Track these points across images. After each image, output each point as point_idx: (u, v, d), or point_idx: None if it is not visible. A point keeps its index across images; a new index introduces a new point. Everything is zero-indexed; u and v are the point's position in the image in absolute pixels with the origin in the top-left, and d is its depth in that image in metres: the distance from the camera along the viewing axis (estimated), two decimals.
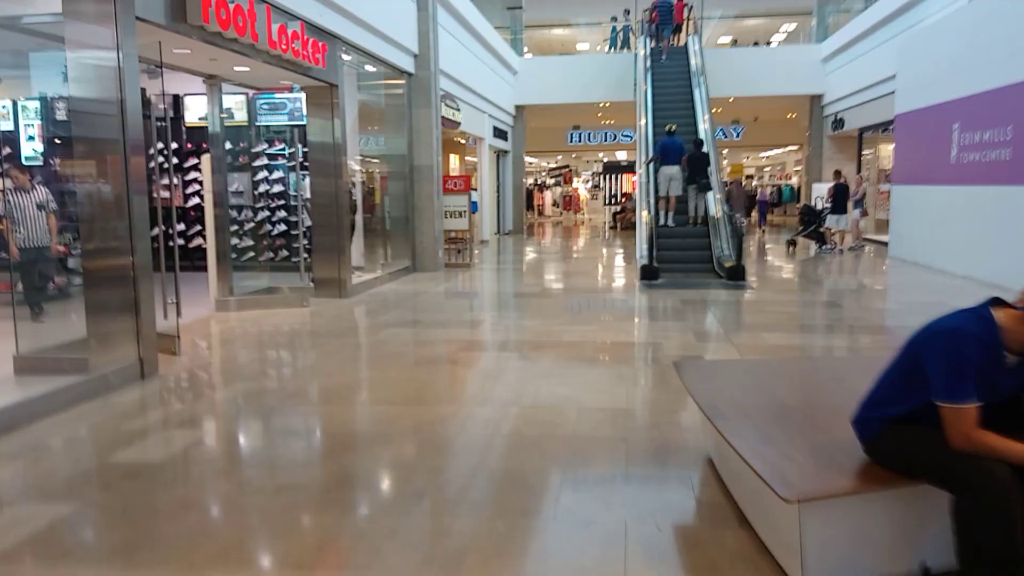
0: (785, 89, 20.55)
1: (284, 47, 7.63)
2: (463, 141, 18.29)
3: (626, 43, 22.27)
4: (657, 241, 11.00)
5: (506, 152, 21.83)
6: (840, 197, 14.60)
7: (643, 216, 13.12)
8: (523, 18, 22.23)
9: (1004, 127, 9.34)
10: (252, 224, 11.38)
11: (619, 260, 14.57)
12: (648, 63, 17.46)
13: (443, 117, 13.65)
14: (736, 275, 10.58)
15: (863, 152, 18.27)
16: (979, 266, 10.01)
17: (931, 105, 11.69)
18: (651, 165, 13.25)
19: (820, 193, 16.97)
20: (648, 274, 10.76)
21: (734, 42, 27.85)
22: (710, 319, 7.69)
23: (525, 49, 22.61)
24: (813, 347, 6.35)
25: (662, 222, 12.91)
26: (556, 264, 14.04)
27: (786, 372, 4.06)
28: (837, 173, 15.45)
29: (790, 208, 30.54)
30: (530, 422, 4.34)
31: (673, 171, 12.89)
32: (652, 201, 12.85)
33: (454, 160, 18.14)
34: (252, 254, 11.45)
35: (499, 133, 20.06)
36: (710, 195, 13.19)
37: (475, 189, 16.28)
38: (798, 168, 32.02)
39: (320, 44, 8.57)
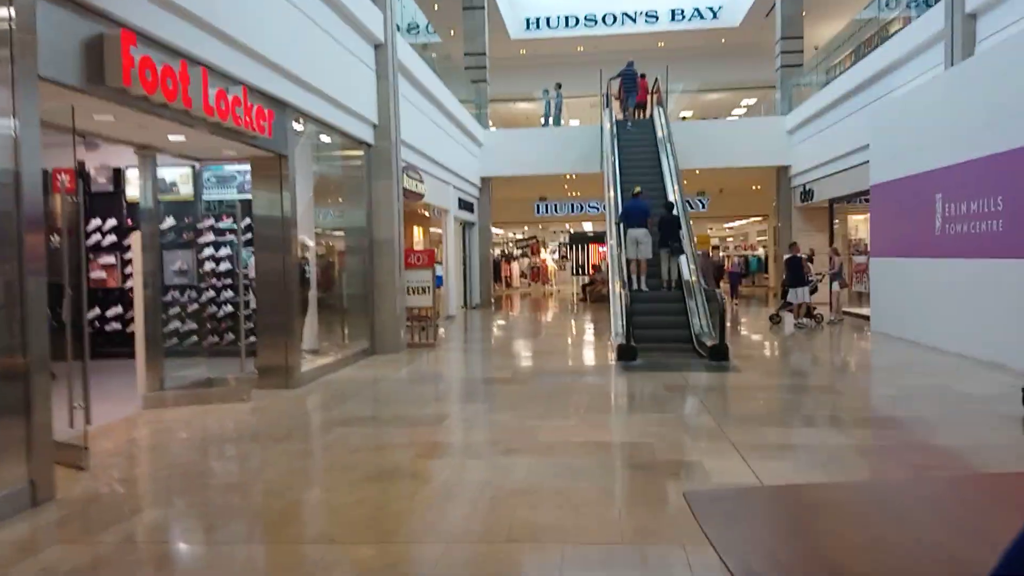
0: (751, 161, 20.49)
1: (224, 114, 6.91)
2: (427, 213, 17.68)
3: (558, 118, 22.06)
4: (632, 312, 10.29)
5: (472, 224, 21.29)
6: (796, 270, 14.16)
7: (616, 289, 12.48)
8: (488, 91, 22.06)
9: (993, 197, 8.95)
10: (196, 305, 10.51)
11: (591, 336, 13.85)
12: (615, 131, 17.21)
13: (405, 189, 13.01)
14: (719, 355, 9.89)
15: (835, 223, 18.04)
16: (971, 343, 9.49)
17: (910, 175, 11.38)
18: (618, 228, 12.89)
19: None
20: (625, 354, 10.02)
21: (695, 116, 28.12)
22: (699, 410, 6.91)
23: (490, 123, 22.38)
24: (823, 447, 5.59)
25: (635, 286, 12.44)
26: (526, 341, 13.25)
27: (828, 507, 3.25)
28: (792, 246, 15.05)
29: (758, 279, 30.48)
30: (504, 568, 3.46)
31: (639, 234, 12.55)
32: (623, 268, 12.28)
33: (418, 233, 17.48)
34: (195, 338, 10.54)
35: (465, 205, 19.53)
36: (683, 259, 12.86)
37: (440, 263, 15.57)
38: (762, 238, 32.12)
39: (266, 111, 7.89)
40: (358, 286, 11.42)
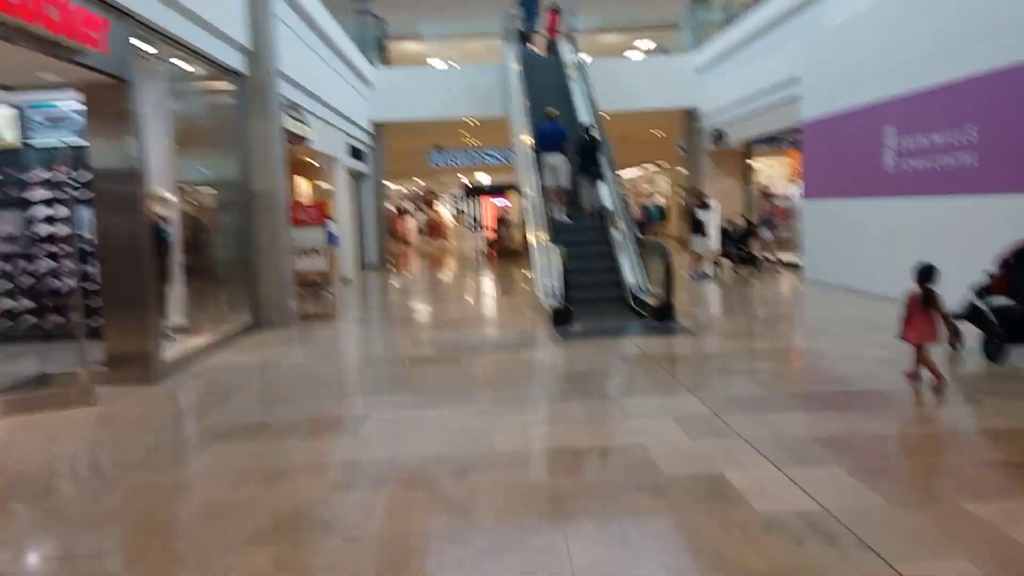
0: (657, 102, 19.34)
1: (29, 13, 4.86)
2: (314, 162, 15.55)
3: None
4: (568, 270, 8.88)
5: (365, 175, 19.23)
6: (695, 218, 13.40)
7: (539, 241, 11.06)
8: (373, 24, 19.82)
9: (963, 127, 8.07)
10: (33, 280, 8.31)
11: (512, 297, 12.44)
12: (522, 65, 15.62)
13: (288, 131, 10.98)
14: (664, 315, 8.71)
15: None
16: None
17: (851, 109, 10.49)
18: (534, 155, 12.13)
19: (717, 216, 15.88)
20: (561, 318, 8.66)
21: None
22: (675, 389, 5.62)
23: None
24: (861, 438, 4.41)
25: (555, 216, 11.62)
26: (441, 307, 11.67)
27: None
28: (692, 193, 14.25)
29: (659, 230, 29.86)
30: None
31: (556, 160, 11.82)
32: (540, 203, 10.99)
33: (305, 186, 15.36)
34: (35, 319, 8.36)
35: (356, 153, 17.46)
36: (602, 185, 12.05)
37: (332, 219, 13.62)
38: (648, 184, 31.51)
39: (98, 19, 5.82)
40: (236, 249, 9.43)
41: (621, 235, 11.29)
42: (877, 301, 9.21)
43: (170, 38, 7.50)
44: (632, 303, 9.95)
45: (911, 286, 5.35)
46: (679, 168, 24.43)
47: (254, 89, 9.41)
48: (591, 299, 9.83)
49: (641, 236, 11.36)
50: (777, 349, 7.36)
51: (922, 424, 4.78)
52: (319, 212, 10.65)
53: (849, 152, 10.58)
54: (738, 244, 14.11)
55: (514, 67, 15.60)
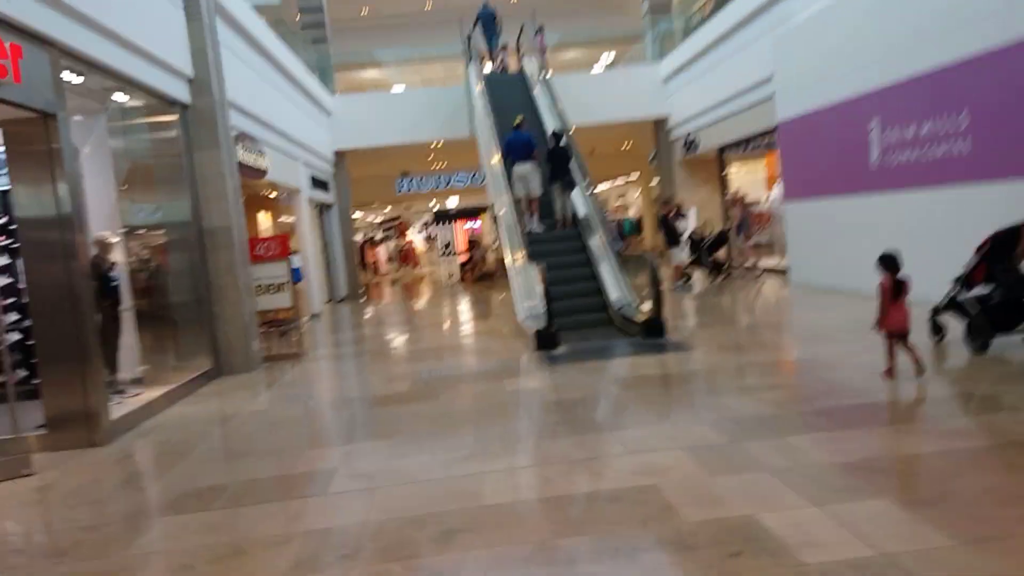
0: (625, 114, 19.01)
1: None
2: (275, 194, 14.93)
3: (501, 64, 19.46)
4: (550, 292, 8.32)
5: (330, 205, 18.61)
6: (671, 227, 13.03)
7: (516, 261, 10.54)
8: (330, 53, 19.32)
9: (953, 114, 7.71)
10: None
11: (490, 322, 11.86)
12: (484, 85, 15.18)
13: (242, 164, 10.38)
14: (655, 331, 8.20)
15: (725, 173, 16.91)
16: (929, 286, 8.29)
17: (829, 105, 10.14)
18: (503, 167, 11.85)
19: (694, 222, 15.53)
20: (546, 342, 8.11)
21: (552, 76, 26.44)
22: (682, 416, 5.08)
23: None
24: (898, 455, 3.89)
25: (528, 228, 11.26)
26: (414, 336, 11.05)
27: None
28: (665, 202, 13.91)
29: (633, 242, 29.48)
30: None
31: (525, 169, 11.44)
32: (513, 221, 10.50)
33: (266, 220, 14.71)
34: None
35: (319, 183, 16.85)
36: (575, 193, 11.76)
37: (296, 253, 12.99)
38: (620, 198, 31.22)
39: (6, 45, 5.22)
40: (192, 291, 8.77)
41: (600, 247, 10.81)
42: (868, 301, 8.69)
43: (104, 68, 6.91)
44: (618, 320, 9.45)
45: (880, 278, 5.40)
46: (652, 180, 24.19)
47: (202, 120, 8.80)
48: (574, 316, 9.34)
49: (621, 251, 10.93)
50: (777, 361, 6.86)
51: (960, 438, 4.28)
52: (282, 246, 10.02)
53: (830, 149, 10.23)
54: (709, 251, 13.72)
55: (477, 87, 15.15)
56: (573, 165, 11.81)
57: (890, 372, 5.39)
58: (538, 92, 15.43)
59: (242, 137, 10.57)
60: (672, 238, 12.84)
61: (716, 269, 13.50)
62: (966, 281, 6.06)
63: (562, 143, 11.81)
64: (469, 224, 42.33)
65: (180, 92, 8.49)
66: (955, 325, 6.31)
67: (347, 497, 4.12)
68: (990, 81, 7.22)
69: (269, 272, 9.86)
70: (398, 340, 10.99)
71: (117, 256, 7.82)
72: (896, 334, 5.33)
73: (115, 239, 7.86)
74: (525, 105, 14.66)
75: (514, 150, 11.62)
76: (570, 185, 11.68)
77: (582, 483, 3.93)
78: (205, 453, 5.43)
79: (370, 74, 26.29)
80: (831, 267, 10.42)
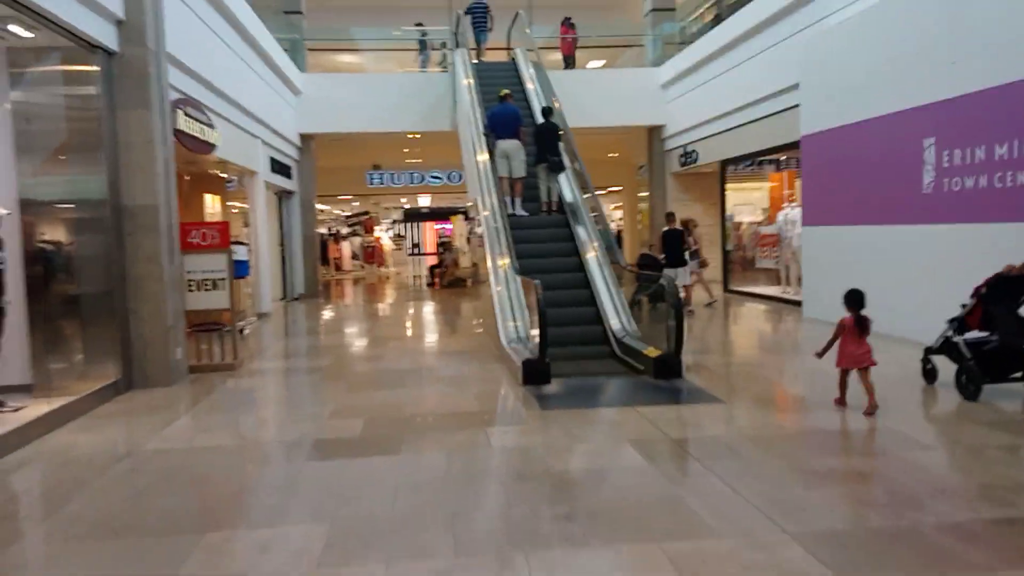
0: (619, 120, 17.59)
1: None
2: (227, 176, 13.20)
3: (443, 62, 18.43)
4: (546, 314, 6.79)
5: (291, 193, 16.90)
6: (674, 245, 11.74)
7: (501, 270, 9.05)
8: (304, 26, 17.66)
9: None
10: None
11: (465, 339, 10.31)
12: (470, 72, 13.70)
13: (182, 132, 8.71)
14: (668, 371, 6.76)
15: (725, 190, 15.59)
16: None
17: (869, 118, 8.83)
18: (489, 140, 11.00)
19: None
20: (536, 376, 6.61)
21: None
22: (751, 521, 3.57)
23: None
24: None
25: (510, 210, 10.45)
26: (375, 351, 9.44)
27: None
28: (669, 216, 12.59)
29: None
30: None
31: (510, 146, 10.62)
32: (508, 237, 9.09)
33: (213, 205, 12.97)
34: None
35: (280, 168, 15.16)
36: (563, 176, 10.99)
37: (245, 243, 11.32)
38: (617, 211, 29.90)
39: None
40: (102, 282, 7.08)
41: (596, 263, 9.40)
42: (903, 346, 7.34)
43: None
44: (616, 349, 8.01)
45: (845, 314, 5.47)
46: (639, 192, 22.89)
47: (130, 73, 7.13)
48: (564, 328, 7.89)
49: (634, 269, 9.58)
50: (840, 430, 5.32)
51: None
52: (222, 234, 8.36)
53: (867, 170, 8.91)
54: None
55: (464, 79, 13.61)
56: (562, 147, 10.88)
57: (840, 402, 5.55)
58: (532, 88, 13.98)
59: (185, 102, 8.90)
60: (676, 257, 11.47)
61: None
62: (960, 323, 5.85)
63: (551, 120, 10.85)
64: (440, 225, 40.82)
65: (105, 35, 6.82)
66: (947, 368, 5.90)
67: None
68: None
69: (205, 264, 8.20)
70: (356, 354, 9.39)
71: (4, 234, 6.13)
72: (853, 369, 5.47)
73: (4, 212, 6.17)
74: (517, 96, 13.18)
75: (498, 124, 10.75)
76: (558, 167, 10.73)
77: None
78: (61, 519, 3.80)
79: (346, 59, 24.58)
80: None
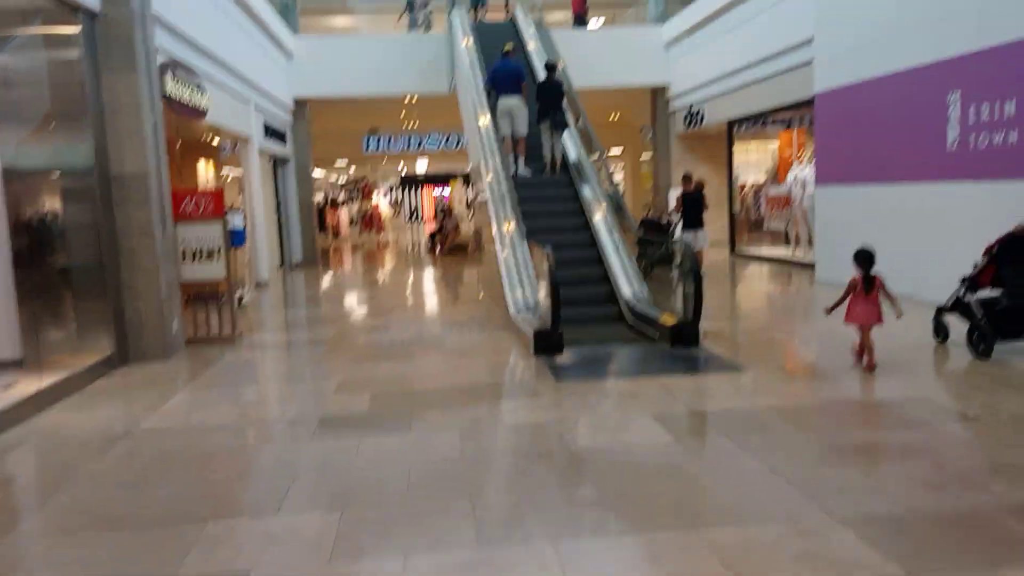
0: (621, 80, 17.07)
1: None
2: (219, 142, 12.80)
3: (426, 23, 17.78)
4: (558, 282, 6.51)
5: (286, 160, 16.49)
6: (695, 207, 11.18)
7: (507, 235, 8.75)
8: None
9: None
10: None
11: (469, 307, 10.05)
12: (468, 31, 13.28)
13: (171, 98, 8.33)
14: (686, 339, 6.52)
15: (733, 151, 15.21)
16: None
17: (889, 73, 8.46)
18: (490, 97, 10.64)
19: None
20: (549, 346, 6.36)
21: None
22: (795, 504, 3.33)
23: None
24: None
25: (513, 170, 10.12)
26: (378, 320, 9.18)
27: None
28: (687, 178, 12.11)
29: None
30: None
31: (512, 103, 10.23)
32: (515, 204, 8.81)
33: (206, 171, 12.59)
34: None
35: (274, 133, 14.74)
36: (566, 134, 10.71)
37: (239, 210, 10.99)
38: (619, 170, 29.41)
39: None
40: (92, 253, 6.78)
41: (604, 224, 9.10)
42: (924, 309, 7.06)
43: None
44: (627, 314, 7.76)
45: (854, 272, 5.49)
46: (642, 155, 22.48)
47: (115, 35, 6.74)
48: (571, 290, 7.56)
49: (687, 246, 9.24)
50: (876, 402, 5.04)
51: None
52: (216, 202, 8.04)
53: (886, 128, 8.58)
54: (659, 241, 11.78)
55: (463, 40, 13.13)
56: (565, 104, 10.55)
57: (861, 354, 5.57)
58: (534, 48, 13.51)
59: (173, 65, 8.51)
60: (695, 220, 11.04)
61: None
62: (972, 282, 5.82)
63: (555, 77, 10.45)
64: (438, 191, 40.29)
65: None
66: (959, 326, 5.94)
67: None
68: None
69: (199, 234, 7.90)
70: (358, 324, 9.13)
71: None
72: (862, 327, 5.49)
73: None
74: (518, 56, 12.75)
75: (500, 81, 10.37)
76: (561, 125, 10.42)
77: None
78: (60, 511, 3.56)
79: (340, 21, 23.91)
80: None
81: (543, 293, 7.03)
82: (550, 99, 10.31)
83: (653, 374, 5.66)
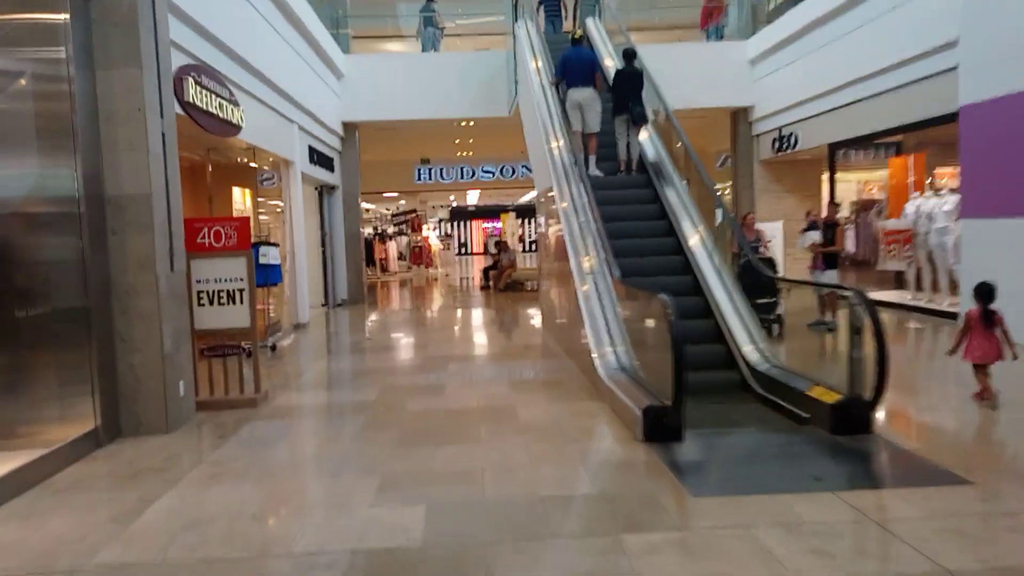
0: (701, 101, 15.33)
1: None
2: (256, 165, 11.51)
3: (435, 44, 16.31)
4: (683, 355, 4.80)
5: (333, 188, 15.21)
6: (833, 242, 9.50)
7: (586, 279, 7.12)
8: (348, 4, 15.97)
9: None
10: None
11: (538, 361, 8.37)
12: (535, 42, 11.88)
13: (193, 106, 6.95)
14: (856, 422, 4.74)
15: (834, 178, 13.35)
16: None
17: None
18: (559, 90, 9.60)
19: (771, 236, 11.87)
20: (662, 428, 4.66)
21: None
22: None
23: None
24: None
25: (589, 170, 8.90)
26: (431, 381, 7.51)
27: None
28: (834, 204, 10.47)
29: None
30: None
31: (584, 95, 9.14)
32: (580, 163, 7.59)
33: (242, 199, 11.29)
34: None
35: (320, 159, 13.45)
36: (644, 130, 9.47)
37: (273, 243, 9.57)
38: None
39: None
40: (75, 296, 5.35)
41: (705, 252, 7.45)
42: None
43: None
44: (753, 382, 6.00)
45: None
46: (716, 184, 20.66)
47: (112, 20, 5.38)
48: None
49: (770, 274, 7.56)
50: None
51: None
52: (242, 233, 6.59)
53: None
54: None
55: (532, 62, 11.60)
56: (645, 95, 9.41)
57: (981, 395, 5.32)
58: (612, 65, 11.99)
59: (198, 69, 7.16)
60: (832, 257, 9.28)
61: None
62: None
63: (635, 65, 9.41)
64: (488, 224, 39.01)
65: None
66: None
67: None
68: None
69: (219, 271, 6.45)
70: (408, 381, 7.52)
71: None
72: (979, 364, 5.28)
73: None
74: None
75: (572, 70, 9.24)
76: (641, 118, 9.16)
77: None
78: None
79: (392, 47, 22.88)
80: None
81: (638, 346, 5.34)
82: (629, 90, 9.15)
83: (831, 486, 3.87)
